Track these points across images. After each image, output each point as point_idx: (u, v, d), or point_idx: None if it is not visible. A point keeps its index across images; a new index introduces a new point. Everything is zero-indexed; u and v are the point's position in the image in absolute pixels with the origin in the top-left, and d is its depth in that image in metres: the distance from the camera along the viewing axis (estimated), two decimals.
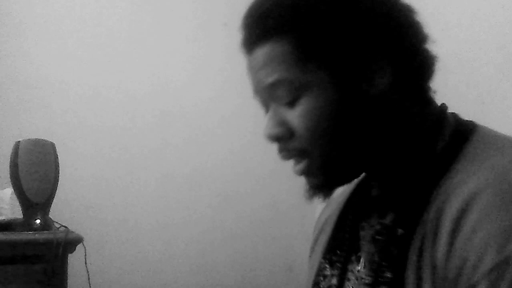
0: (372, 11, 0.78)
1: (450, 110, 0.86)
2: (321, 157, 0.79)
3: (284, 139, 0.80)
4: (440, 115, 0.83)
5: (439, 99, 0.86)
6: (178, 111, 2.55)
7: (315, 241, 0.99)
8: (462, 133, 0.80)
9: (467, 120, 0.84)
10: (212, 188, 2.58)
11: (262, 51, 0.79)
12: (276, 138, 0.81)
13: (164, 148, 2.53)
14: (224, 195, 2.59)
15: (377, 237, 0.81)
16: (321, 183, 0.82)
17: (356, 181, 0.93)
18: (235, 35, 2.78)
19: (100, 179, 2.45)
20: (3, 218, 1.93)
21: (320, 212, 1.04)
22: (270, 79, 0.79)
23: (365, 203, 0.88)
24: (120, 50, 2.50)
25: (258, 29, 0.80)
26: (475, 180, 0.72)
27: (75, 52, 2.43)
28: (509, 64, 1.75)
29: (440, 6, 1.99)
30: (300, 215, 2.65)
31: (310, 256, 1.00)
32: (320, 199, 0.85)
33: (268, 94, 0.81)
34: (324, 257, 0.92)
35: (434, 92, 0.84)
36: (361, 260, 0.83)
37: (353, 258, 0.85)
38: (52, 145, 1.94)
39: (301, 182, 2.67)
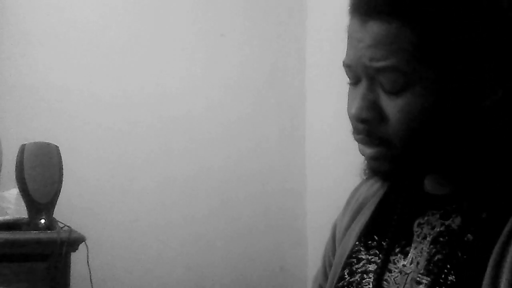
0: (502, 27, 0.73)
1: None
2: (402, 152, 0.74)
3: (372, 123, 0.75)
4: None
5: None
6: (178, 117, 2.55)
7: (352, 219, 0.93)
8: None
9: None
10: (210, 192, 2.57)
11: (381, 28, 0.72)
12: (363, 121, 0.75)
13: (164, 153, 2.52)
14: (220, 198, 2.58)
15: (439, 238, 0.77)
16: (387, 171, 0.77)
17: None
18: (231, 45, 2.78)
19: (102, 181, 2.44)
20: (9, 218, 1.94)
21: (355, 189, 0.98)
22: (381, 63, 0.72)
23: (418, 197, 0.83)
24: (122, 56, 2.49)
25: (386, 2, 0.72)
26: None
27: (79, 57, 2.43)
28: None
29: None
30: (291, 219, 2.66)
31: (341, 235, 0.94)
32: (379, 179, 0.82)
33: (370, 74, 0.74)
34: (359, 240, 0.88)
35: None
36: (410, 256, 0.79)
37: (397, 250, 0.81)
38: (56, 148, 1.96)
39: (294, 184, 2.67)
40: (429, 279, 0.75)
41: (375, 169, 0.78)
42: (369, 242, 0.86)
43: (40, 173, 1.90)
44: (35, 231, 1.88)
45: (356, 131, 0.77)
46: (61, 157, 1.96)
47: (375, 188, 0.92)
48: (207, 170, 2.59)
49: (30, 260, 1.84)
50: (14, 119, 2.34)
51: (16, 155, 1.93)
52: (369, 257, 0.84)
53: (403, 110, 0.72)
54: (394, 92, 0.73)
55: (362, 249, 0.86)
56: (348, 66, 0.77)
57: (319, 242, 1.06)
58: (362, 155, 0.78)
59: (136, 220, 2.49)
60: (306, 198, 2.69)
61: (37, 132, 2.19)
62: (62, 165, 1.96)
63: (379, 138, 0.75)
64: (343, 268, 0.88)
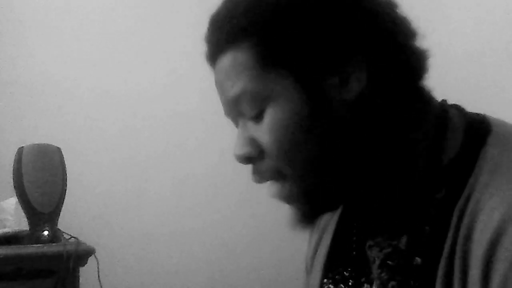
0: (342, 7, 0.72)
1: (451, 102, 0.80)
2: (298, 178, 0.73)
3: (255, 159, 0.75)
4: (442, 112, 0.76)
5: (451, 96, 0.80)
6: (191, 111, 2.56)
7: (315, 251, 0.92)
8: (476, 133, 0.73)
9: (476, 115, 0.76)
10: (231, 191, 2.57)
11: (225, 61, 0.75)
12: (246, 159, 0.76)
13: (177, 151, 2.53)
14: (244, 197, 2.58)
15: (388, 262, 0.75)
16: (304, 209, 0.76)
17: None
18: None
19: (110, 185, 2.46)
20: (7, 231, 1.89)
21: None
22: (233, 92, 0.74)
23: (368, 216, 0.81)
24: (127, 49, 2.51)
25: (219, 37, 0.75)
26: (502, 203, 0.65)
27: (80, 51, 2.45)
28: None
29: (448, 7, 2.22)
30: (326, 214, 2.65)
31: (309, 266, 0.93)
32: (304, 228, 0.79)
33: (233, 109, 0.76)
34: (326, 275, 0.86)
35: (430, 90, 0.77)
36: (375, 284, 0.77)
37: (363, 279, 0.79)
38: (58, 150, 1.92)
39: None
40: None
41: (294, 211, 0.77)
42: (336, 276, 0.84)
43: (41, 178, 1.85)
44: (38, 245, 1.83)
45: (251, 173, 0.77)
46: (64, 160, 1.92)
47: (328, 216, 0.91)
48: (227, 167, 2.56)
49: (34, 277, 1.78)
50: (10, 119, 2.32)
51: (13, 159, 1.88)
52: None
53: (270, 130, 0.72)
54: (257, 116, 0.73)
55: (330, 285, 0.85)
56: (225, 113, 0.79)
57: None
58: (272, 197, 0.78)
59: (150, 227, 2.49)
60: None
61: (36, 133, 2.18)
62: (66, 169, 1.92)
63: (270, 172, 0.75)
64: None
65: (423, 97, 0.75)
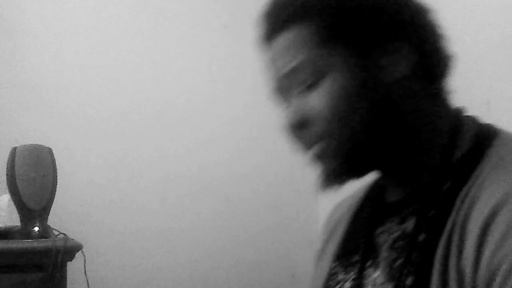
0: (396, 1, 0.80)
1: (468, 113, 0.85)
2: (338, 139, 0.79)
3: (304, 125, 0.81)
4: (457, 117, 0.83)
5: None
6: (179, 113, 2.52)
7: (326, 242, 0.98)
8: (484, 137, 0.80)
9: (487, 124, 0.83)
10: (215, 195, 2.55)
11: (284, 38, 0.81)
12: (297, 125, 0.81)
13: (165, 152, 2.51)
14: (227, 200, 2.56)
15: (397, 243, 0.81)
16: (336, 167, 0.81)
17: (368, 184, 0.93)
18: (235, 37, 2.75)
19: (99, 184, 2.41)
20: (0, 226, 1.91)
21: (330, 213, 1.03)
22: (292, 64, 0.80)
23: (380, 208, 0.88)
24: (118, 52, 2.47)
25: (279, 18, 0.82)
26: (501, 188, 0.72)
27: (72, 53, 2.40)
28: None
29: (447, 5, 2.07)
30: (304, 221, 2.62)
31: (318, 259, 0.99)
32: (332, 188, 0.83)
33: (289, 81, 0.81)
34: (336, 261, 0.92)
35: (450, 92, 0.84)
36: (379, 267, 0.83)
37: (369, 263, 0.85)
38: (50, 151, 1.93)
39: (306, 185, 2.63)
40: (391, 285, 0.79)
41: (326, 170, 0.82)
42: (346, 262, 0.89)
43: (33, 177, 1.87)
44: (28, 240, 1.85)
45: (297, 140, 0.83)
46: (55, 160, 1.93)
47: (346, 208, 0.97)
48: (212, 170, 2.56)
49: (24, 271, 1.81)
50: (4, 120, 2.30)
51: (6, 158, 1.90)
52: (346, 276, 0.88)
53: (324, 96, 0.78)
54: (312, 85, 0.79)
55: (339, 270, 0.90)
56: (275, 88, 0.84)
57: None
58: (310, 161, 0.83)
59: (137, 225, 2.46)
60: (319, 200, 2.60)
61: (29, 134, 2.16)
62: (56, 169, 1.93)
63: (316, 137, 0.80)
64: None
65: (445, 99, 0.83)
